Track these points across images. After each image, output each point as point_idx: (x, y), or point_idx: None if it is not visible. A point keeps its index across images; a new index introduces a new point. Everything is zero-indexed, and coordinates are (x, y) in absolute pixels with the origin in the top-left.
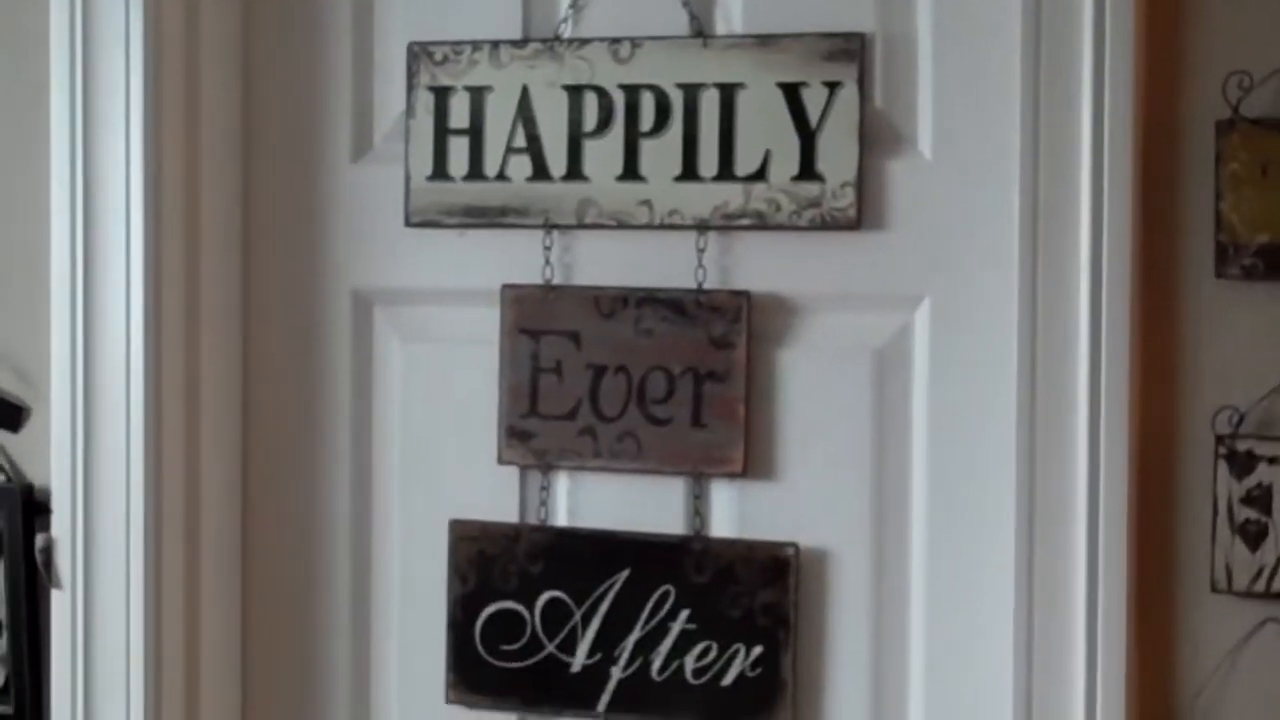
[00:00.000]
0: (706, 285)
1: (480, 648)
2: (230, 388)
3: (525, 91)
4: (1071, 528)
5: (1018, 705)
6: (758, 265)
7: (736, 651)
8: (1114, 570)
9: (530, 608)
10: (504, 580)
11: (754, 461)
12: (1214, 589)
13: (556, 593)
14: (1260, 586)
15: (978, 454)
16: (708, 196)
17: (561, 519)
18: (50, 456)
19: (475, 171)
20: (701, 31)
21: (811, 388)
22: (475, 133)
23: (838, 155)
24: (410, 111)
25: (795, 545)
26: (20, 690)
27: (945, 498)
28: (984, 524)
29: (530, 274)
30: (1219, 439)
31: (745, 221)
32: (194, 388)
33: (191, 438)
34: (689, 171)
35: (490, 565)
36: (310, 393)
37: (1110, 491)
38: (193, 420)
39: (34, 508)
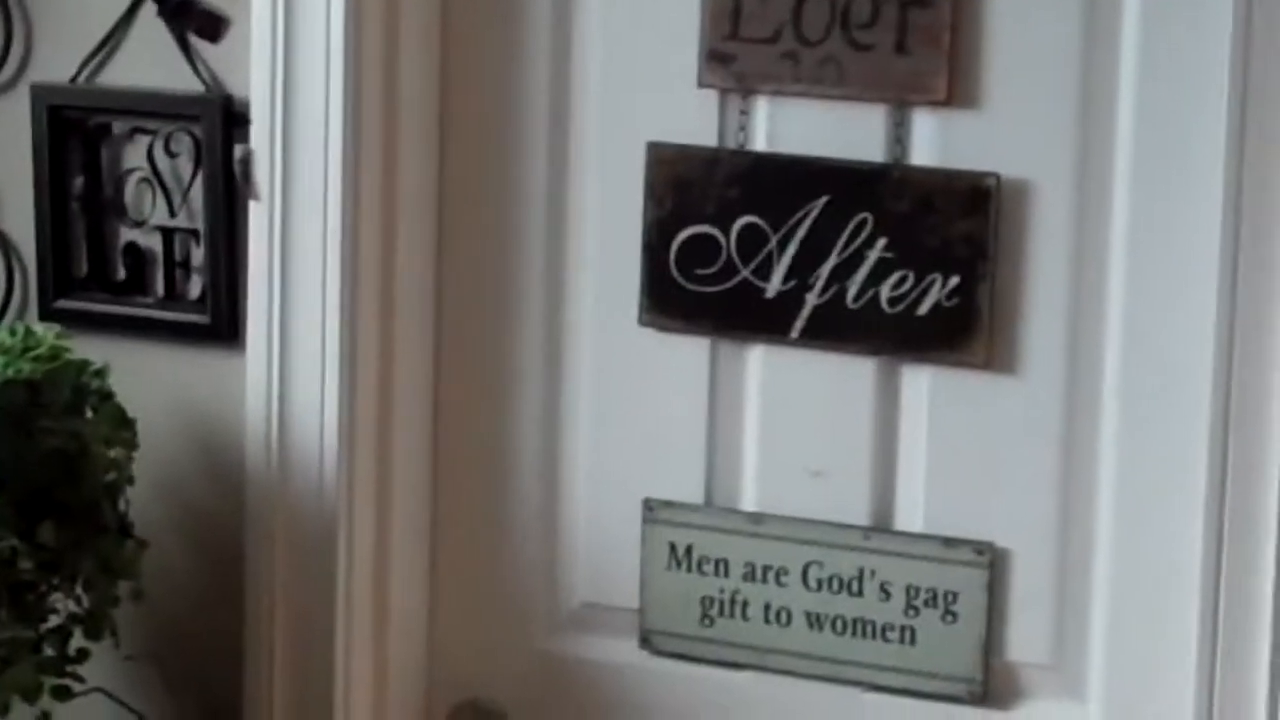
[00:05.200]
0: None
1: (675, 271)
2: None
3: None
4: None
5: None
6: None
7: (933, 281)
8: None
9: (726, 232)
10: (700, 204)
11: (957, 90)
12: None
13: (753, 218)
14: None
15: (1184, 99)
16: None
17: (760, 144)
18: (250, 67)
19: None
20: None
21: (1020, 17)
22: None
23: None
24: None
25: (996, 176)
26: (217, 301)
27: (1151, 137)
28: (1190, 169)
29: None
30: None
31: None
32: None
33: (389, 48)
34: None
35: (687, 189)
36: (510, 5)
37: None
38: (391, 31)
39: (233, 119)
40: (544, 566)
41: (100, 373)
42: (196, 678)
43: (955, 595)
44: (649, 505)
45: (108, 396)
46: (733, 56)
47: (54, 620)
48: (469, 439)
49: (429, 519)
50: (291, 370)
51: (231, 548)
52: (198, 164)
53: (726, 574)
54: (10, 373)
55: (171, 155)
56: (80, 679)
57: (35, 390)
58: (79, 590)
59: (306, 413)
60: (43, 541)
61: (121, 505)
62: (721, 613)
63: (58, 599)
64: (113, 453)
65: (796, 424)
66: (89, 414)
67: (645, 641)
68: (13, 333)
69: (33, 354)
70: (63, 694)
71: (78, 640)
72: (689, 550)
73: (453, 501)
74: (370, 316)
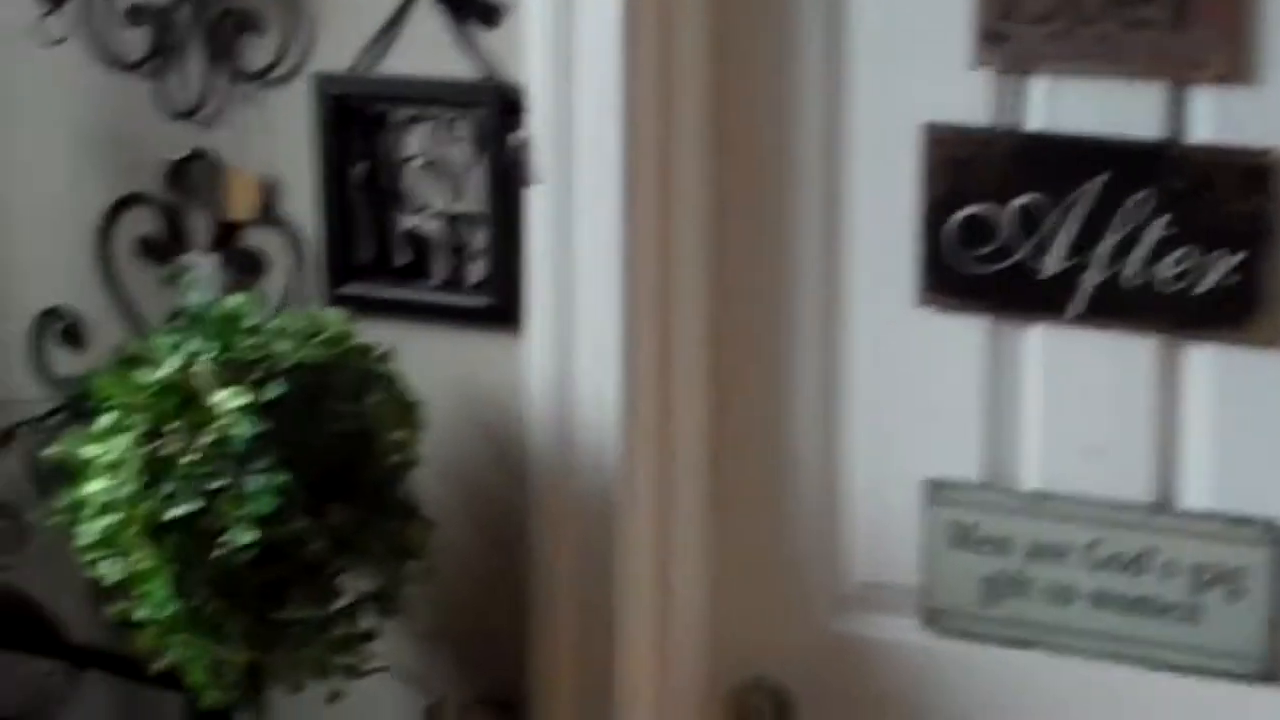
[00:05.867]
0: None
1: (951, 251)
2: None
3: None
4: None
5: None
6: None
7: (1213, 260)
8: None
9: (1002, 212)
10: (976, 184)
11: (1237, 66)
12: None
13: (1029, 197)
14: None
15: None
16: None
17: (1036, 123)
18: (527, 52)
19: None
20: None
21: None
22: None
23: None
24: None
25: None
26: (498, 285)
27: None
28: None
29: None
30: None
31: None
32: None
33: (665, 30)
34: None
35: (962, 169)
36: None
37: None
38: (666, 14)
39: (511, 105)
40: (824, 546)
41: (385, 357)
42: (481, 656)
43: (1241, 573)
44: (929, 485)
45: (392, 380)
46: (1007, 36)
47: (343, 600)
48: (748, 420)
49: (709, 500)
50: (573, 353)
51: (515, 528)
52: (477, 150)
53: (1008, 553)
54: (299, 357)
55: (451, 142)
56: (369, 657)
57: (323, 374)
58: (369, 570)
59: (588, 395)
60: (332, 523)
61: (408, 487)
62: (1004, 592)
63: (347, 579)
64: (399, 435)
65: (1076, 403)
66: (375, 397)
67: (928, 621)
68: (299, 318)
69: (320, 339)
70: (352, 672)
71: (367, 619)
72: (970, 530)
73: (733, 482)
74: (649, 299)
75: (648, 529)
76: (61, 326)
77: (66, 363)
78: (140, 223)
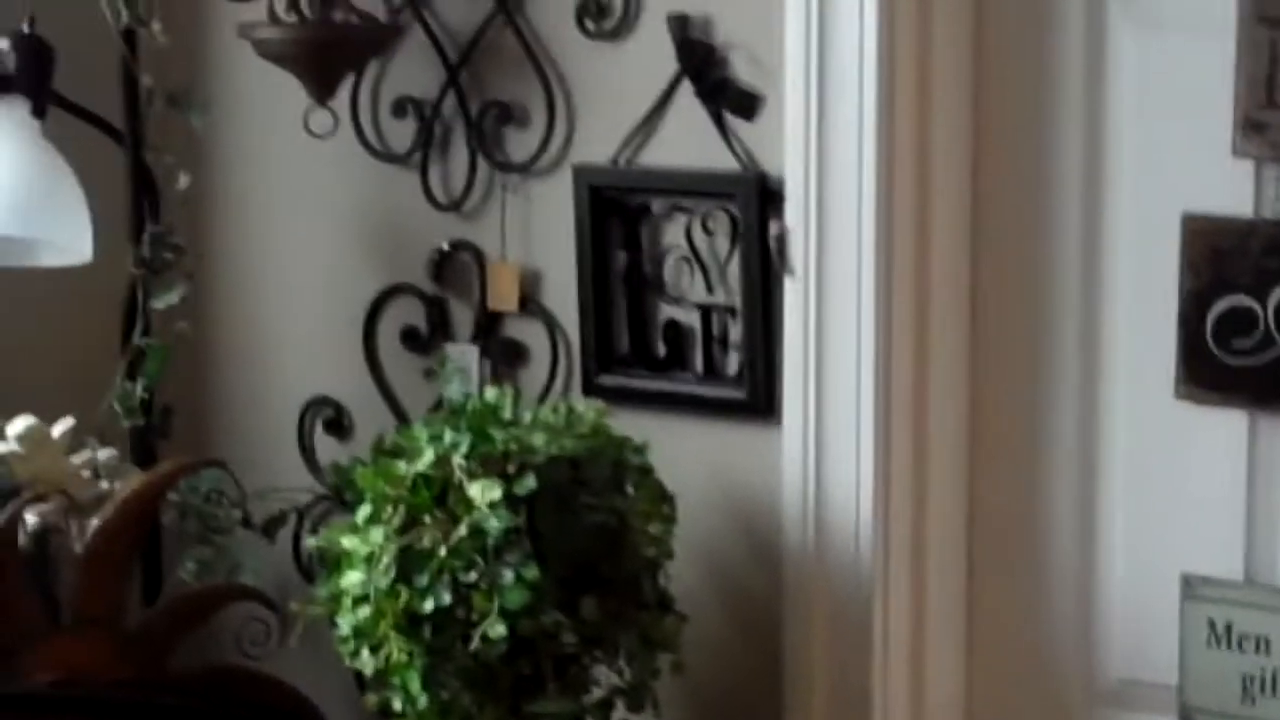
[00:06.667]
0: None
1: (1211, 343)
2: (960, 71)
3: None
4: None
5: None
6: None
7: None
8: None
9: (1263, 304)
10: (1237, 275)
11: None
12: None
13: None
14: None
15: None
16: None
17: None
18: (784, 144)
19: None
20: None
21: None
22: None
23: None
24: None
25: None
26: (754, 377)
27: None
28: None
29: None
30: None
31: None
32: (925, 72)
33: (922, 123)
34: None
35: (1223, 260)
36: (1041, 80)
37: None
38: (924, 105)
39: (768, 196)
40: (1080, 641)
41: (640, 449)
42: None
43: None
44: (1187, 581)
45: (647, 472)
46: (1268, 124)
47: (596, 693)
48: (1003, 513)
49: (964, 593)
50: (827, 446)
51: (769, 621)
52: (734, 241)
53: (1268, 652)
54: (554, 450)
55: (708, 233)
56: None
57: (578, 467)
58: (620, 663)
59: (842, 488)
60: (585, 616)
61: (661, 579)
62: (1263, 691)
63: (600, 672)
64: (652, 528)
65: None
66: (629, 490)
67: (1185, 719)
68: (555, 410)
69: (575, 431)
70: None
71: (620, 713)
72: (1229, 627)
73: (988, 574)
74: (904, 393)
75: (902, 622)
76: (327, 414)
77: (331, 450)
78: (404, 312)
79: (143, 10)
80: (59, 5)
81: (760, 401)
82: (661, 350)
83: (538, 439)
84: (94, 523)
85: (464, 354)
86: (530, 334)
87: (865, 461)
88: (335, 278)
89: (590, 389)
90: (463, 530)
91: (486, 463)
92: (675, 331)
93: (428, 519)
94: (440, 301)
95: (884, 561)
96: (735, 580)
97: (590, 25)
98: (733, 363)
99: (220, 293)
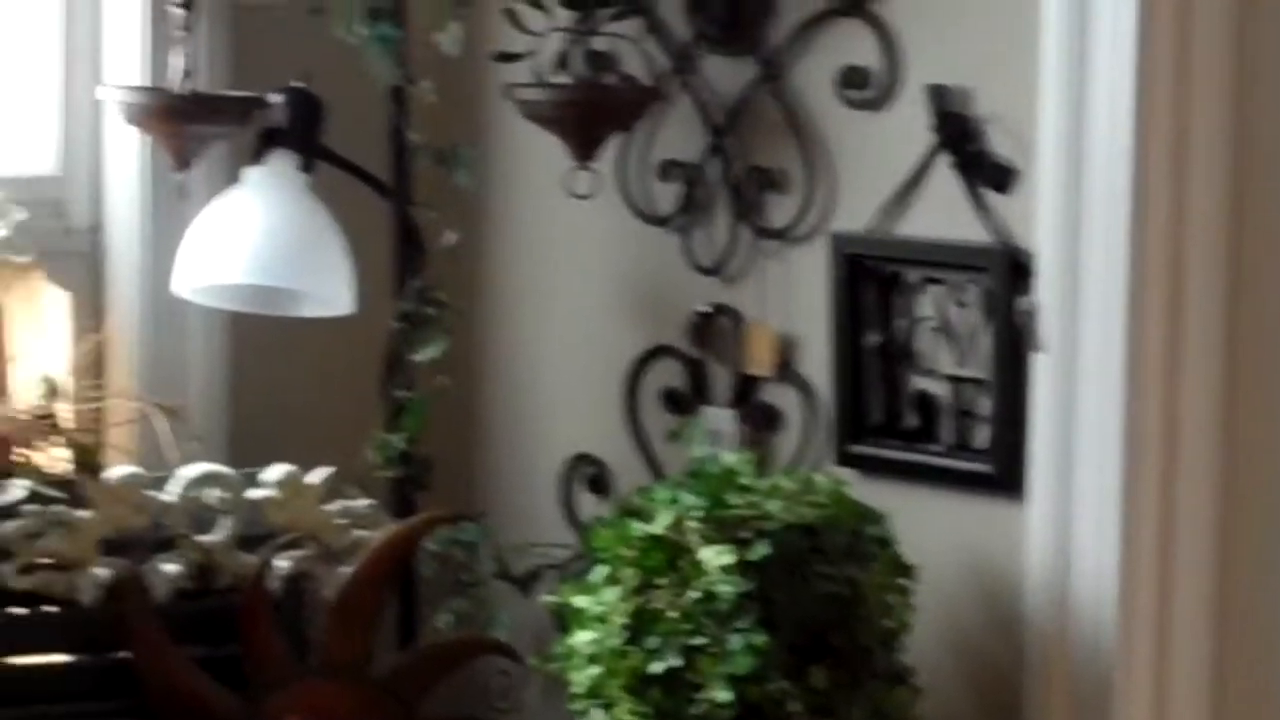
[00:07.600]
0: None
1: None
2: (1217, 147)
3: None
4: None
5: None
6: None
7: None
8: None
9: None
10: None
11: None
12: None
13: None
14: None
15: None
16: None
17: None
18: (1037, 219)
19: None
20: None
21: None
22: None
23: None
24: None
25: None
26: (1001, 451)
27: None
28: None
29: None
30: None
31: None
32: (1180, 148)
33: (1177, 199)
34: None
35: None
36: None
37: None
38: (1179, 182)
39: (1020, 270)
40: None
41: (879, 519)
42: None
43: None
44: None
45: (886, 544)
46: None
47: None
48: (1250, 605)
49: (1208, 680)
50: (1073, 524)
51: (1009, 697)
52: (986, 314)
53: None
54: (790, 517)
55: (960, 305)
56: None
57: (814, 535)
58: None
59: (1087, 567)
60: (814, 685)
61: (897, 651)
62: None
63: None
64: (889, 599)
65: None
66: (868, 560)
67: None
68: (795, 478)
69: (812, 499)
70: None
71: None
72: None
73: (1234, 661)
74: (1152, 473)
75: (1144, 705)
76: (589, 472)
77: (593, 508)
78: (665, 373)
79: (413, 70)
80: (334, 63)
81: (1007, 476)
82: (912, 421)
83: (774, 505)
84: (346, 570)
85: (720, 418)
86: (786, 399)
87: (1110, 542)
88: (598, 336)
89: (842, 457)
90: (694, 594)
91: (720, 527)
92: (925, 402)
93: (661, 581)
94: (699, 364)
95: (1126, 644)
96: (975, 655)
97: (851, 94)
98: (981, 436)
99: (483, 348)
